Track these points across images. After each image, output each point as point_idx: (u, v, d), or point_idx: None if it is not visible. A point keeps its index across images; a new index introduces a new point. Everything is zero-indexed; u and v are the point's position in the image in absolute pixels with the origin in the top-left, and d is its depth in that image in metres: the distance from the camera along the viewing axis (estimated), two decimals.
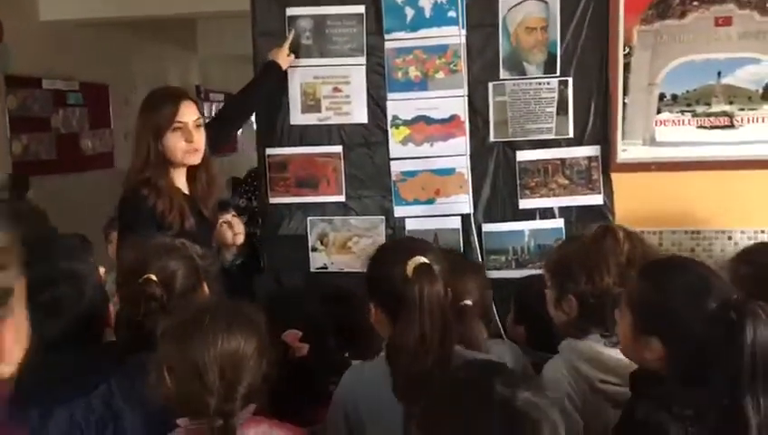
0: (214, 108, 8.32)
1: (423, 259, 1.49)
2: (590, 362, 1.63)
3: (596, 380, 1.61)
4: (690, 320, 1.32)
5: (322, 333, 1.84)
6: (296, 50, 2.78)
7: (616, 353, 1.56)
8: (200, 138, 2.37)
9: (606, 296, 1.64)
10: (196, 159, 2.39)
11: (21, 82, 5.06)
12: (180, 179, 2.41)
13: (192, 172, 2.43)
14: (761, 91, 2.59)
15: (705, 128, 2.64)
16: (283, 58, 2.73)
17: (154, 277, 1.56)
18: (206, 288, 1.76)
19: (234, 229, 2.72)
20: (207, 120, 2.55)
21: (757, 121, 2.60)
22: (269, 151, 2.86)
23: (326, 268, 2.87)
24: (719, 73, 2.61)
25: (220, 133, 2.69)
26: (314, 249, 2.87)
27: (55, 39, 5.40)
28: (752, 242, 2.64)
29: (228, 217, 2.72)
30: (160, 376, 1.33)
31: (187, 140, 2.33)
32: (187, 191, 2.41)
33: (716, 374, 1.26)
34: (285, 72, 2.77)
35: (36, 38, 5.25)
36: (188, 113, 2.35)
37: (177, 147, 2.33)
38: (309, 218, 2.85)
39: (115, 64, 6.31)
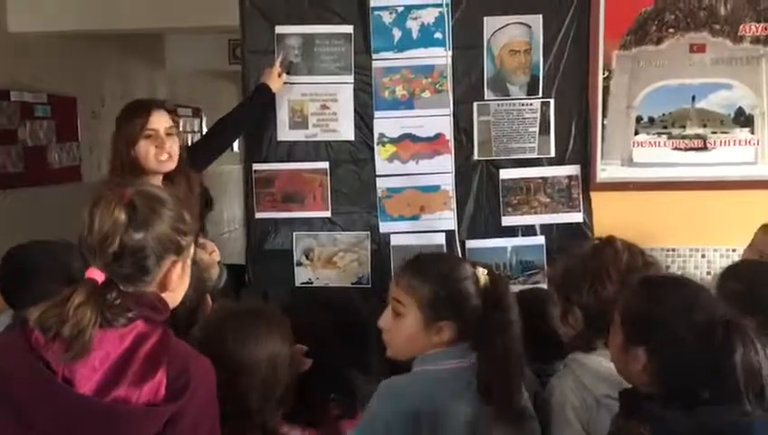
0: (182, 123, 8.27)
1: (484, 269, 1.59)
2: (596, 376, 1.66)
3: (601, 395, 1.63)
4: (677, 332, 1.34)
5: (324, 345, 1.85)
6: (287, 70, 2.82)
7: None
8: (172, 145, 2.40)
9: (609, 306, 1.69)
10: (169, 166, 2.41)
11: None
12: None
13: (169, 180, 2.44)
14: (732, 115, 2.72)
15: (680, 149, 2.75)
16: (275, 81, 2.77)
17: None
18: (209, 301, 1.77)
19: (207, 249, 2.75)
20: (193, 140, 2.58)
21: (729, 144, 2.73)
22: (256, 167, 2.88)
23: (311, 283, 2.89)
24: (693, 98, 2.73)
25: (206, 153, 2.73)
26: (299, 264, 2.89)
27: (23, 51, 5.32)
28: (724, 260, 2.76)
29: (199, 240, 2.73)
30: None
31: (158, 146, 2.37)
32: None
33: (704, 392, 1.29)
34: (275, 95, 2.80)
35: (4, 49, 5.17)
36: (159, 121, 2.39)
37: (148, 153, 2.36)
38: (295, 233, 2.88)
39: (83, 77, 6.24)
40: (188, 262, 1.37)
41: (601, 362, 1.69)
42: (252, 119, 2.84)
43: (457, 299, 1.60)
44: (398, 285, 1.64)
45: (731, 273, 1.96)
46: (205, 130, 8.92)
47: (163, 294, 1.32)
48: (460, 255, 2.81)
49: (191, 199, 2.48)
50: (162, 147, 2.37)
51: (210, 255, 2.74)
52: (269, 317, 1.45)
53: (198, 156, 2.62)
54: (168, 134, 2.40)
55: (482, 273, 1.63)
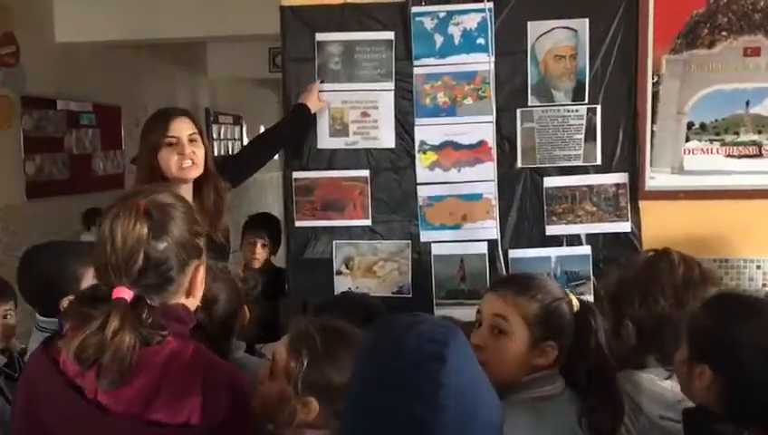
0: (223, 130, 8.35)
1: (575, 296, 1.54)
2: (650, 396, 1.60)
3: (655, 415, 1.58)
4: (746, 355, 1.31)
5: None
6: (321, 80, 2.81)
7: (677, 388, 1.54)
8: (196, 151, 2.37)
9: (663, 321, 1.63)
10: (193, 173, 2.38)
11: (36, 103, 5.08)
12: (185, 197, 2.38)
13: (198, 188, 2.43)
14: None
15: (733, 157, 2.65)
16: (314, 102, 2.75)
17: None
18: (246, 313, 1.75)
19: (254, 254, 2.76)
20: (228, 154, 2.58)
21: None
22: (296, 175, 2.86)
23: None
24: (747, 103, 2.62)
25: (242, 169, 2.72)
26: (339, 273, 2.86)
27: (70, 61, 5.44)
28: None
29: (256, 240, 2.74)
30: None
31: (180, 153, 2.34)
32: None
33: None
34: (314, 116, 2.79)
35: (51, 60, 5.29)
36: (181, 128, 2.36)
37: (170, 161, 2.33)
38: (335, 242, 2.85)
39: (127, 86, 6.35)
40: (205, 265, 1.35)
41: (655, 380, 1.63)
42: (289, 137, 2.84)
43: (560, 319, 1.53)
44: (505, 299, 1.54)
45: None
46: (245, 137, 9.01)
47: (186, 301, 1.29)
48: (503, 265, 2.75)
49: (221, 207, 2.46)
50: (184, 153, 2.34)
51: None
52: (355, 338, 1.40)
53: (234, 171, 2.60)
54: (191, 141, 2.37)
55: (574, 297, 1.58)
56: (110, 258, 1.20)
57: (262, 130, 9.96)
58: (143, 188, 1.37)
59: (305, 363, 1.35)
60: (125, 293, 1.20)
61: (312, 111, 2.76)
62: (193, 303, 1.32)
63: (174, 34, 5.41)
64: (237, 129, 8.98)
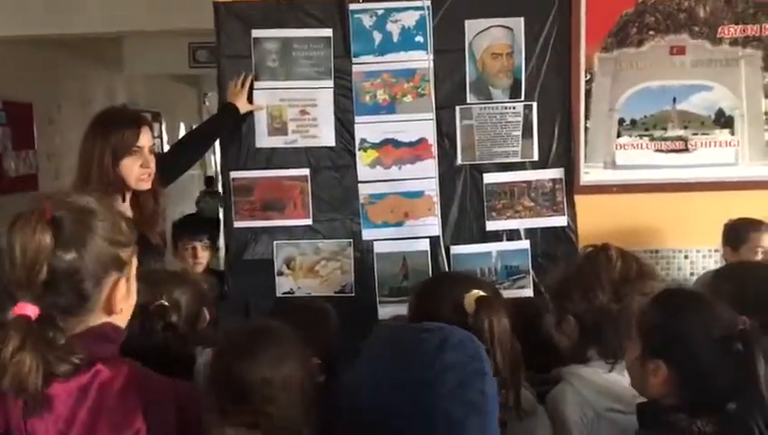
0: None
1: (481, 292, 1.47)
2: (596, 390, 1.63)
3: (603, 408, 1.61)
4: (698, 347, 1.35)
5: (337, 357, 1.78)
6: (258, 77, 2.76)
7: (622, 380, 1.58)
8: (152, 163, 2.32)
9: (603, 315, 1.67)
10: (147, 185, 2.33)
11: None
12: (122, 205, 2.32)
13: (136, 198, 2.36)
14: (713, 116, 2.74)
15: (662, 151, 2.76)
16: (242, 102, 2.71)
17: (166, 303, 1.49)
18: (206, 314, 1.71)
19: (197, 257, 2.71)
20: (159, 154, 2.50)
21: (710, 146, 2.75)
22: (233, 175, 2.79)
23: (293, 293, 2.81)
24: (674, 99, 2.74)
25: (173, 169, 2.63)
26: (281, 274, 2.81)
27: None
28: (706, 260, 2.78)
29: (198, 244, 2.69)
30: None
31: (143, 165, 2.28)
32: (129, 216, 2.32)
33: (727, 403, 1.28)
34: (241, 117, 2.74)
35: None
36: (147, 138, 2.31)
37: (132, 171, 2.26)
38: (275, 242, 2.80)
39: (39, 83, 6.06)
40: (133, 277, 1.22)
41: (599, 373, 1.67)
42: (218, 136, 2.80)
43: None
44: None
45: (725, 275, 1.98)
46: (164, 134, 8.76)
47: (110, 318, 1.17)
48: (445, 261, 2.77)
49: (158, 211, 2.39)
50: (147, 166, 2.28)
51: (195, 264, 2.70)
52: (281, 336, 1.38)
53: (165, 172, 2.51)
54: (151, 151, 2.31)
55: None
56: (11, 272, 1.07)
57: (182, 127, 9.73)
58: (61, 193, 1.20)
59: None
60: (28, 309, 1.06)
61: (241, 112, 2.71)
62: (121, 319, 1.19)
63: (88, 29, 5.19)
64: (156, 126, 8.71)
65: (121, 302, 1.18)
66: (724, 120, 2.73)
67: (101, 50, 6.91)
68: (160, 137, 8.70)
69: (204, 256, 3.10)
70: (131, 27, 5.32)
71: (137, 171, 2.26)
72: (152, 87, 8.31)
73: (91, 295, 1.12)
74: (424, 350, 1.03)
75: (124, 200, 2.30)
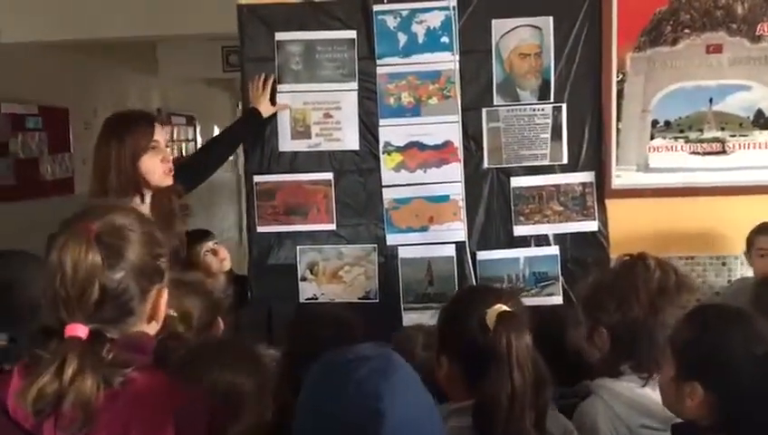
0: (176, 131, 8.17)
1: (504, 307, 1.39)
2: (629, 404, 1.56)
3: (636, 424, 1.54)
4: (738, 366, 1.29)
5: None
6: (281, 80, 2.73)
7: (654, 395, 1.50)
8: (170, 158, 2.31)
9: (637, 327, 1.59)
10: (170, 180, 2.30)
11: None
12: (141, 205, 2.29)
13: (158, 198, 2.31)
14: (751, 117, 2.62)
15: (698, 154, 2.65)
16: (265, 105, 2.68)
17: (174, 313, 1.47)
18: (221, 323, 1.68)
19: (219, 255, 2.67)
20: (179, 161, 2.48)
21: (748, 148, 2.63)
22: (256, 179, 2.77)
23: (316, 298, 2.78)
24: (711, 100, 2.63)
25: (197, 173, 2.61)
26: (304, 279, 2.78)
27: (14, 61, 5.21)
28: (745, 268, 2.67)
29: (211, 244, 2.66)
30: None
31: (164, 159, 2.26)
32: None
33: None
34: (265, 121, 2.71)
35: None
36: (161, 133, 2.28)
37: (155, 167, 2.23)
38: (298, 247, 2.77)
39: (75, 88, 6.14)
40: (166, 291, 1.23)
41: (633, 388, 1.59)
42: (242, 140, 2.78)
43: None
44: None
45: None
46: (199, 138, 8.83)
47: (147, 326, 1.18)
48: (471, 267, 2.71)
49: (175, 215, 2.35)
50: (168, 159, 2.26)
51: (222, 262, 2.67)
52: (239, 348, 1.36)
53: (189, 175, 2.49)
54: (167, 146, 2.31)
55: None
56: (61, 292, 1.07)
57: (216, 130, 9.80)
58: (94, 209, 1.19)
59: None
60: (79, 330, 1.07)
61: (264, 116, 2.68)
62: (154, 327, 1.21)
63: (123, 34, 5.25)
64: (191, 129, 8.79)
65: (163, 309, 1.21)
66: (763, 122, 2.61)
67: (136, 54, 6.99)
68: (194, 140, 8.78)
69: (224, 252, 3.05)
70: (165, 32, 5.36)
71: (159, 166, 2.24)
72: (186, 91, 8.38)
73: (136, 309, 1.14)
74: (329, 394, 1.02)
75: (143, 201, 2.28)
